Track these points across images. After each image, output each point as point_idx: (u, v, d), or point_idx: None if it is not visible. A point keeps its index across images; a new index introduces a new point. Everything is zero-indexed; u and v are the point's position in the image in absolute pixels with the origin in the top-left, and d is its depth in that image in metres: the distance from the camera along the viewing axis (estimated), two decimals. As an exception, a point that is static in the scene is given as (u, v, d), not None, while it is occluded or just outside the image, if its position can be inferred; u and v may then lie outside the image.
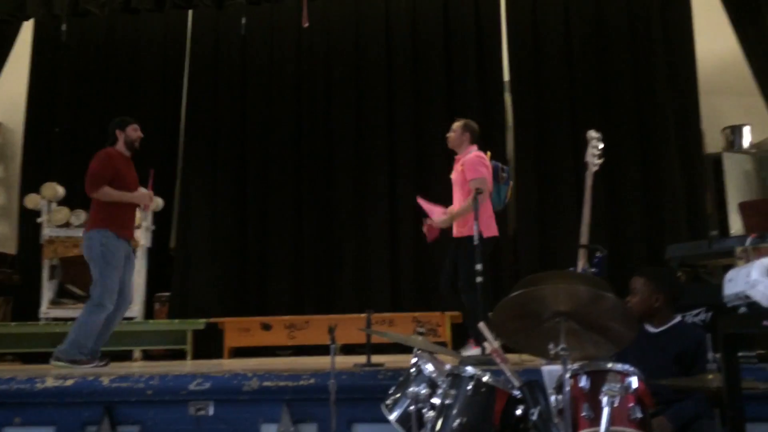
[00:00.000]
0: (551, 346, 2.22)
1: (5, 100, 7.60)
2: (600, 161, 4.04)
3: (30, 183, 7.08)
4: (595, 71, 6.93)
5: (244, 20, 6.63)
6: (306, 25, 5.94)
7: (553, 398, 2.29)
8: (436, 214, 4.75)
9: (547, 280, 2.32)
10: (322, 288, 6.92)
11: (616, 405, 2.15)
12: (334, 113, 7.24)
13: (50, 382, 3.39)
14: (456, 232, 4.80)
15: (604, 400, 2.14)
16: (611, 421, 2.12)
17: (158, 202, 6.74)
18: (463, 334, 6.07)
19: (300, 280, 6.94)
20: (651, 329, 2.88)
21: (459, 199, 4.78)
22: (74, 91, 7.54)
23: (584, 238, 3.89)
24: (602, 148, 4.05)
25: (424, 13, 7.32)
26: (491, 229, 4.74)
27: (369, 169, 7.09)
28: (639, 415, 2.21)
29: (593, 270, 3.74)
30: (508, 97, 7.18)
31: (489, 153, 4.98)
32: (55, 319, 6.38)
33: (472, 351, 4.55)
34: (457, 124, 4.97)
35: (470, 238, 4.44)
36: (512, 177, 5.09)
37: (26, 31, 7.38)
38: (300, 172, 7.13)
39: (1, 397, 3.39)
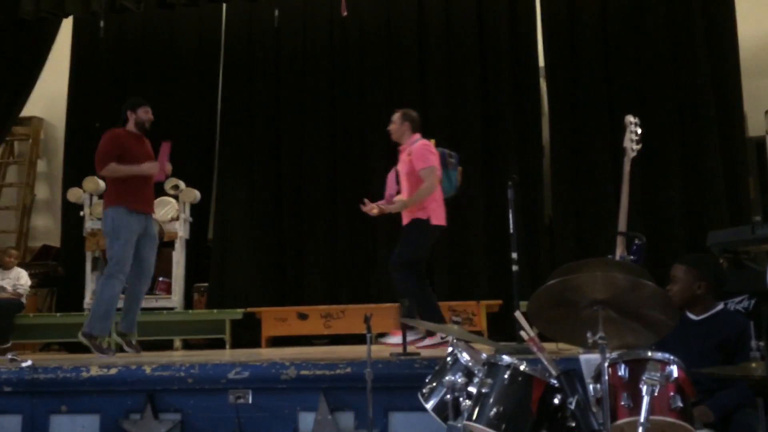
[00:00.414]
0: (589, 334, 2.19)
1: (47, 96, 7.79)
2: (638, 147, 3.95)
3: (72, 177, 7.26)
4: (633, 55, 6.79)
5: (277, 12, 6.69)
6: (345, 14, 5.93)
7: (591, 387, 2.27)
8: (391, 195, 4.66)
9: (585, 268, 2.29)
10: (357, 277, 6.96)
11: (656, 394, 2.12)
12: (367, 103, 7.24)
13: (95, 371, 3.48)
14: (405, 219, 4.70)
15: (644, 389, 2.11)
16: (651, 410, 2.10)
17: (195, 195, 6.84)
18: (499, 323, 6.06)
19: (335, 269, 6.99)
20: (693, 317, 2.83)
21: (408, 189, 4.69)
22: (113, 86, 7.68)
23: (622, 225, 3.82)
24: (640, 134, 3.97)
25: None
26: (439, 218, 4.69)
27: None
28: (680, 404, 2.17)
29: (632, 258, 3.68)
30: (543, 84, 7.09)
31: (434, 140, 4.92)
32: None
33: (393, 339, 4.41)
34: (396, 115, 4.88)
35: (417, 221, 4.56)
36: (460, 163, 4.99)
37: (66, 28, 7.54)
38: (334, 162, 7.16)
39: (48, 386, 3.49)
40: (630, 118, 4.00)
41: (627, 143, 3.96)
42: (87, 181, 6.77)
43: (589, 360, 2.63)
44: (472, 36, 7.14)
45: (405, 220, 4.68)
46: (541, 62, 7.07)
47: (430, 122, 7.11)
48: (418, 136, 4.82)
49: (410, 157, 4.66)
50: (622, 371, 2.25)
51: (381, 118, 7.18)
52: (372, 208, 4.69)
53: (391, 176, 4.76)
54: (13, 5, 6.56)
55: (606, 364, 2.16)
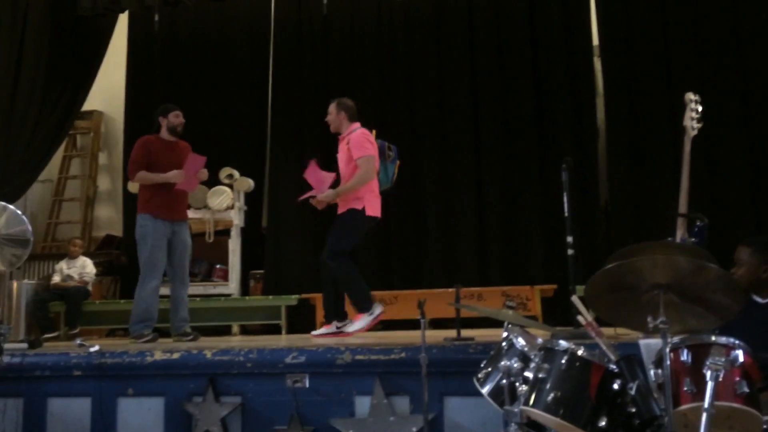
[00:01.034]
0: (650, 319, 2.14)
1: (106, 90, 8.04)
2: (699, 125, 3.82)
3: (132, 168, 7.47)
4: (692, 29, 6.55)
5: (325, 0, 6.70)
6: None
7: (652, 372, 2.22)
8: (325, 185, 4.69)
9: (644, 251, 2.23)
10: (409, 263, 6.97)
11: (720, 379, 2.06)
12: (417, 87, 7.21)
13: (158, 356, 3.60)
14: (340, 208, 4.76)
15: (708, 374, 2.05)
16: (716, 395, 2.04)
17: (249, 184, 6.94)
18: (554, 308, 5.99)
19: (387, 255, 7.01)
20: (759, 300, 2.74)
21: (347, 178, 4.70)
22: (167, 78, 7.87)
23: (683, 207, 3.71)
24: (701, 111, 3.83)
25: (507, -22, 7.13)
26: (374, 209, 4.74)
27: (453, 142, 7.03)
28: (746, 389, 2.11)
29: (693, 240, 3.57)
30: (597, 62, 6.91)
31: (374, 131, 4.93)
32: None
33: (356, 324, 4.58)
34: (331, 106, 4.90)
35: (352, 211, 4.63)
36: (399, 156, 5.05)
37: (122, 23, 7.75)
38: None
39: (115, 370, 3.63)
40: (690, 96, 3.86)
41: (687, 122, 3.83)
42: (146, 172, 6.96)
43: (649, 345, 2.57)
44: (522, 15, 7.01)
45: (340, 209, 4.74)
46: (595, 40, 6.89)
47: (480, 106, 7.04)
48: (357, 125, 4.85)
49: (348, 145, 4.69)
50: (685, 356, 2.20)
51: (430, 103, 7.17)
52: (317, 203, 4.73)
53: (310, 171, 4.78)
54: (72, 3, 6.79)
55: (668, 349, 2.11)
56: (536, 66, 6.93)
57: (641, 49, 6.66)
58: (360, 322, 4.59)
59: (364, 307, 4.61)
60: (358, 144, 4.68)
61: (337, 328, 4.65)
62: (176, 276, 5.01)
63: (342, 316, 4.73)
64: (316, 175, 4.79)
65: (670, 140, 6.29)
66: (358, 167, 4.64)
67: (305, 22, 7.59)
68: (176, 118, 5.10)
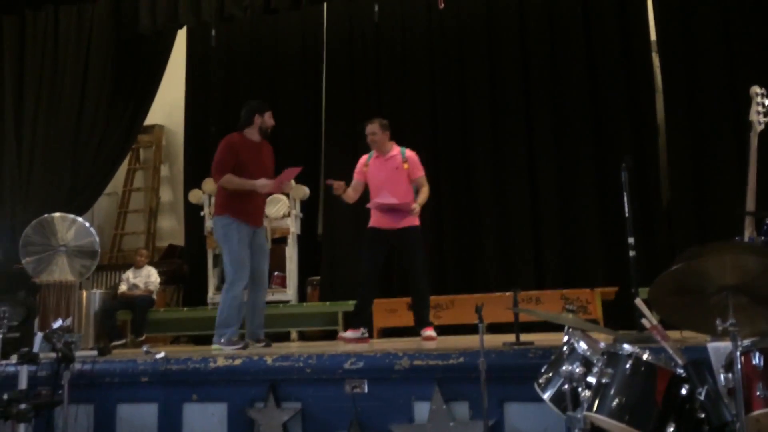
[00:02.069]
0: (718, 322, 2.07)
1: (166, 105, 8.30)
2: (766, 119, 3.67)
3: (192, 180, 7.69)
4: (755, 21, 6.29)
5: (376, 7, 6.75)
6: (442, 6, 5.93)
7: (721, 377, 2.15)
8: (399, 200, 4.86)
9: (711, 251, 2.16)
10: (465, 267, 6.92)
11: (796, 384, 1.98)
12: (469, 90, 7.18)
13: (221, 362, 3.67)
14: (396, 222, 4.88)
15: (783, 379, 1.97)
16: (791, 401, 1.96)
17: (304, 192, 7.03)
18: (615, 311, 5.84)
19: (443, 260, 6.99)
20: (836, 302, 2.60)
21: (401, 194, 4.89)
22: (225, 91, 8.06)
23: (751, 205, 3.56)
24: (768, 105, 3.68)
25: (559, -25, 7.03)
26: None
27: (507, 145, 6.96)
28: (823, 395, 2.01)
29: (763, 239, 3.42)
30: (655, 58, 6.72)
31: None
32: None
33: (432, 333, 4.84)
34: (375, 126, 5.01)
35: (416, 227, 4.89)
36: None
37: (180, 40, 7.99)
38: (437, 152, 7.15)
39: (179, 376, 3.73)
40: (756, 89, 3.72)
41: (753, 116, 3.68)
42: (206, 183, 7.15)
43: (718, 348, 2.49)
44: (576, 12, 6.89)
45: (406, 223, 4.87)
46: (653, 35, 6.71)
47: (534, 107, 6.95)
48: (395, 145, 5.10)
49: (407, 164, 4.98)
50: (757, 360, 2.12)
51: (482, 106, 7.12)
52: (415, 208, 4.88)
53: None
54: (133, 22, 7.05)
55: (738, 353, 2.04)
56: (592, 64, 6.80)
57: (701, 43, 6.45)
58: (433, 332, 4.86)
59: (430, 321, 4.96)
60: (418, 164, 5.04)
61: (362, 334, 4.97)
62: (255, 280, 4.84)
63: (430, 323, 4.97)
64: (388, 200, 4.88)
65: (734, 136, 6.06)
66: (419, 184, 4.99)
67: (357, 31, 7.66)
68: (270, 119, 4.93)
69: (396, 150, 5.07)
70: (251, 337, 4.84)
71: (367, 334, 5.07)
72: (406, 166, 4.97)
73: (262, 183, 4.70)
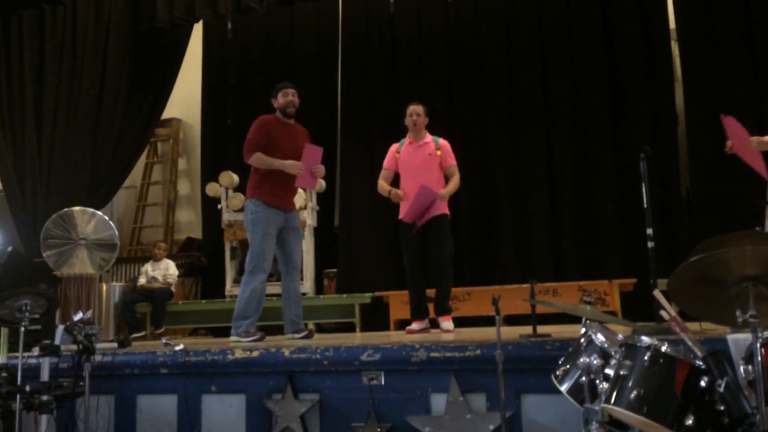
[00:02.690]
0: (738, 313, 2.04)
1: (183, 98, 8.34)
2: (788, 108, 3.61)
3: (209, 173, 7.74)
4: (778, 7, 6.18)
5: (392, -1, 6.72)
6: None
7: (741, 369, 2.12)
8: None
9: (732, 242, 2.13)
10: (482, 259, 6.90)
11: (817, 376, 1.95)
12: (486, 82, 7.13)
13: (239, 354, 3.70)
14: (432, 211, 4.81)
15: (804, 371, 1.94)
16: (813, 394, 1.93)
17: (321, 185, 7.02)
18: (634, 303, 5.79)
19: (460, 252, 6.95)
20: None
21: (432, 181, 4.83)
22: (241, 84, 8.09)
23: (772, 195, 3.52)
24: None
25: (576, -35, 6.95)
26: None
27: (524, 136, 6.91)
28: None
29: (784, 229, 3.38)
30: (675, 47, 6.63)
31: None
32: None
33: (449, 325, 4.83)
34: (421, 108, 4.99)
35: (446, 216, 4.87)
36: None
37: (197, 32, 8.02)
38: (453, 144, 7.06)
39: (198, 368, 3.76)
40: (778, 77, 3.66)
41: (775, 105, 3.63)
42: (223, 176, 7.19)
43: (738, 340, 2.46)
44: (595, 0, 6.80)
45: (433, 212, 4.80)
46: (672, 24, 6.62)
47: (551, 97, 6.89)
48: (428, 133, 5.06)
49: (439, 152, 4.95)
50: (778, 352, 2.08)
51: (500, 96, 7.07)
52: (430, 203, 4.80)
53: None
54: (150, 15, 7.09)
55: (759, 344, 2.01)
56: (610, 52, 6.73)
57: (721, 31, 6.35)
58: (451, 323, 4.85)
59: (449, 309, 4.94)
60: (451, 152, 5.02)
61: (427, 324, 4.93)
62: (289, 267, 4.73)
63: (428, 314, 4.96)
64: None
65: (755, 125, 5.95)
66: (451, 173, 4.96)
67: (373, 22, 7.64)
68: (284, 97, 4.74)
69: (429, 138, 5.04)
70: (291, 328, 4.71)
71: (428, 325, 5.00)
72: (438, 153, 4.94)
73: (292, 163, 4.57)
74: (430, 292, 4.95)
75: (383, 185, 5.03)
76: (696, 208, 6.32)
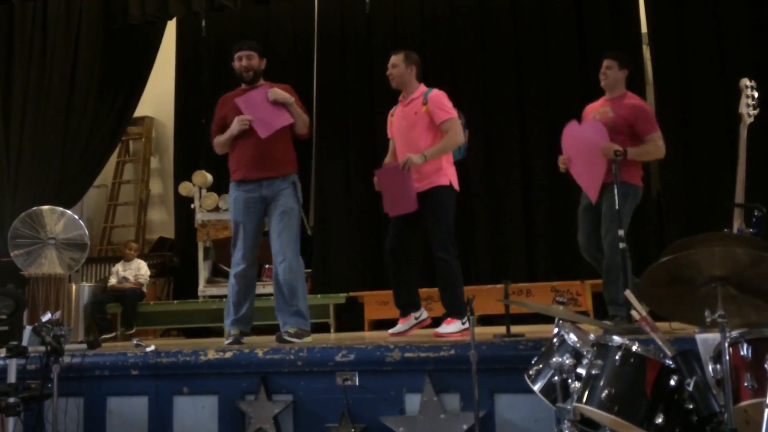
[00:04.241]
0: (707, 313, 2.08)
1: (156, 96, 8.24)
2: (755, 112, 3.69)
3: (182, 172, 7.66)
4: (745, 11, 6.31)
5: (368, -2, 6.72)
6: None
7: (710, 368, 2.16)
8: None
9: (701, 243, 2.17)
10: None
11: (783, 375, 1.99)
12: (460, 83, 7.16)
13: (212, 355, 3.66)
14: (419, 185, 3.97)
15: (770, 369, 1.98)
16: (779, 392, 1.97)
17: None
18: (605, 303, 5.85)
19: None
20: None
21: (420, 146, 3.96)
22: (215, 82, 8.00)
23: (740, 197, 3.59)
24: (758, 97, 3.70)
25: (551, -33, 7.03)
26: (456, 182, 4.09)
27: (499, 137, 6.96)
28: (810, 385, 2.03)
29: (751, 231, 3.45)
30: (646, 50, 6.74)
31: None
32: (212, 297, 6.90)
33: (450, 328, 3.93)
34: (397, 58, 4.13)
35: (439, 188, 3.95)
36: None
37: (170, 30, 7.93)
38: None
39: (170, 369, 3.72)
40: (746, 82, 3.74)
41: (743, 109, 3.71)
42: (196, 175, 7.12)
43: (706, 339, 2.50)
44: (568, 4, 6.88)
45: (421, 187, 3.97)
46: (644, 28, 6.72)
47: (526, 98, 6.95)
48: (422, 86, 4.18)
49: (426, 107, 4.00)
50: (745, 351, 2.13)
51: (475, 99, 7.10)
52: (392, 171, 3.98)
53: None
54: (122, 12, 6.99)
55: (727, 344, 2.05)
56: (583, 55, 6.80)
57: (692, 36, 6.46)
58: (453, 327, 3.95)
59: (461, 311, 3.96)
60: (441, 104, 4.02)
61: (416, 319, 4.24)
62: (276, 252, 4.05)
63: (418, 306, 4.26)
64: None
65: (725, 128, 6.09)
66: (445, 130, 3.99)
67: (348, 22, 7.63)
68: (238, 62, 4.20)
69: (419, 92, 4.12)
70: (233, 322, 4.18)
71: (424, 316, 4.24)
72: (424, 109, 4.01)
73: (234, 123, 4.01)
74: (389, 294, 4.38)
75: (389, 159, 4.28)
76: (666, 210, 6.42)
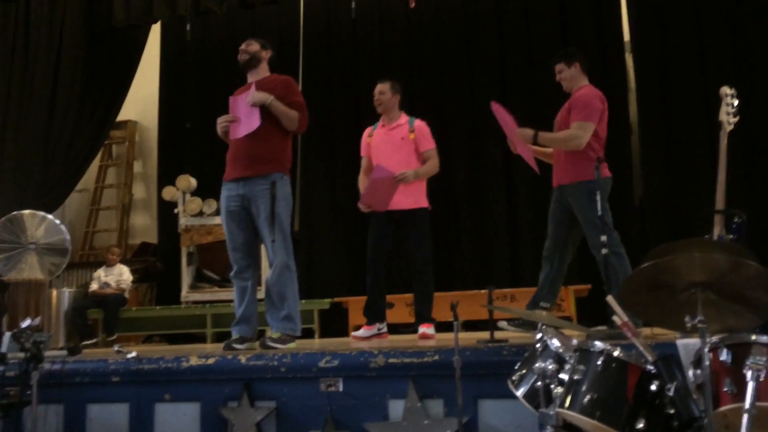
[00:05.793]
0: (687, 318, 2.09)
1: (140, 100, 8.19)
2: (735, 119, 3.73)
3: (166, 176, 7.61)
4: (726, 21, 6.40)
5: (353, 4, 6.73)
6: (413, 5, 5.89)
7: (690, 373, 2.17)
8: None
9: (682, 249, 2.18)
10: (441, 265, 6.92)
11: (762, 379, 2.00)
12: (446, 88, 7.20)
13: (194, 361, 3.63)
14: (404, 202, 4.36)
15: (749, 374, 2.00)
16: (757, 396, 1.98)
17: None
18: (588, 309, 5.90)
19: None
20: (801, 299, 2.65)
21: (402, 167, 4.33)
22: (200, 86, 7.99)
23: (720, 203, 3.62)
24: (737, 105, 3.75)
25: (535, -24, 7.09)
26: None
27: (483, 144, 6.99)
28: (789, 390, 2.05)
29: (731, 237, 3.48)
30: (629, 58, 6.81)
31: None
32: (195, 303, 6.85)
33: (431, 330, 4.40)
34: (384, 86, 4.52)
35: (422, 210, 4.43)
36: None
37: (155, 34, 7.89)
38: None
39: (152, 375, 3.67)
40: (726, 90, 3.78)
41: (723, 116, 3.75)
42: (180, 180, 7.08)
43: (687, 345, 2.52)
44: (552, 12, 6.95)
45: (408, 204, 4.38)
46: (626, 36, 6.79)
47: (511, 104, 6.97)
48: (404, 113, 4.60)
49: (413, 134, 4.46)
50: (725, 356, 2.14)
51: (460, 104, 7.14)
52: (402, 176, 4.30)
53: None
54: (107, 15, 6.95)
55: (707, 349, 2.06)
56: (566, 64, 6.85)
57: (674, 44, 6.54)
58: (433, 329, 4.44)
59: (431, 317, 4.47)
60: (427, 135, 4.52)
61: (378, 330, 4.53)
62: (268, 257, 4.02)
63: (383, 318, 4.57)
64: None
65: (706, 136, 6.16)
66: (427, 158, 4.46)
67: (334, 27, 7.64)
68: (239, 53, 4.21)
69: (404, 119, 4.54)
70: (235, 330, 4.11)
71: (385, 329, 4.55)
72: (412, 136, 4.44)
73: (217, 123, 4.03)
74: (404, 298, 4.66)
75: (361, 178, 4.59)
76: (648, 216, 6.48)
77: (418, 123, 4.55)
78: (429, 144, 4.51)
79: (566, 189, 4.15)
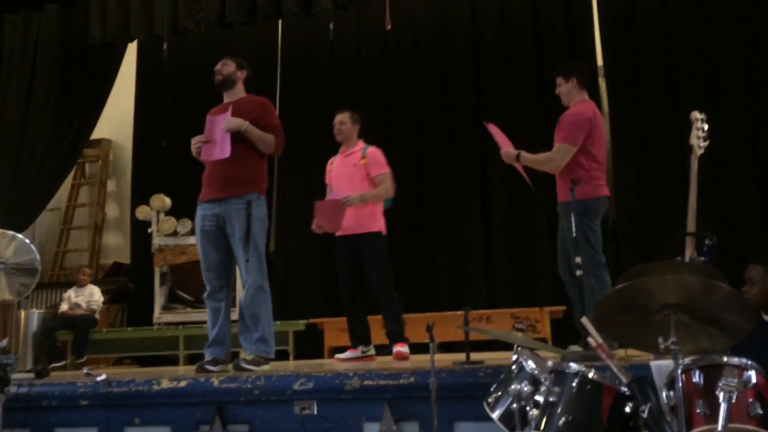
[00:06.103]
0: (660, 340, 2.11)
1: (115, 118, 8.12)
2: (706, 143, 3.81)
3: (140, 196, 7.52)
4: (697, 48, 6.57)
5: (332, 25, 6.77)
6: (389, 27, 5.95)
7: (664, 394, 2.19)
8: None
9: (654, 271, 2.21)
10: (417, 286, 6.94)
11: (734, 401, 2.03)
12: (423, 110, 7.25)
13: (165, 384, 3.56)
14: (355, 227, 4.50)
15: (721, 395, 2.02)
16: (729, 417, 2.00)
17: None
18: (563, 330, 5.92)
19: (395, 278, 6.93)
20: (770, 320, 2.69)
21: (356, 190, 4.48)
22: (176, 106, 7.93)
23: (691, 226, 3.68)
24: (708, 130, 3.82)
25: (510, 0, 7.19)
26: (385, 229, 4.64)
27: (460, 166, 7.04)
28: (759, 411, 2.07)
29: (703, 259, 3.53)
30: (602, 83, 6.93)
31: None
32: (167, 324, 6.74)
33: (405, 349, 4.48)
34: (344, 116, 4.73)
35: (377, 234, 4.54)
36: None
37: (131, 52, 7.84)
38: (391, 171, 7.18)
39: (121, 399, 3.59)
40: (696, 114, 3.86)
41: (693, 140, 3.82)
42: (154, 199, 7.00)
43: (660, 366, 2.53)
44: (527, 37, 7.06)
45: (359, 229, 4.50)
46: (600, 61, 6.92)
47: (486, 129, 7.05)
48: (362, 141, 4.77)
49: (364, 161, 4.59)
50: (697, 377, 2.16)
51: (436, 126, 7.19)
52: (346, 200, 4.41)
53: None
54: (82, 33, 6.90)
55: (680, 371, 2.08)
56: (542, 87, 6.95)
57: (646, 69, 6.68)
58: (407, 348, 4.52)
59: (404, 337, 4.58)
60: (378, 161, 4.63)
61: (363, 353, 4.64)
62: (242, 278, 3.98)
63: (369, 341, 4.70)
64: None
65: (678, 159, 6.28)
66: (377, 183, 4.57)
67: (312, 48, 7.67)
68: (215, 73, 4.23)
69: (359, 146, 4.70)
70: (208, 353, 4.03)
71: (372, 351, 4.67)
72: (363, 161, 4.58)
73: (192, 142, 3.96)
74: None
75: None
76: (621, 238, 6.55)
77: (371, 150, 4.69)
78: (380, 169, 4.61)
79: (558, 207, 4.22)
